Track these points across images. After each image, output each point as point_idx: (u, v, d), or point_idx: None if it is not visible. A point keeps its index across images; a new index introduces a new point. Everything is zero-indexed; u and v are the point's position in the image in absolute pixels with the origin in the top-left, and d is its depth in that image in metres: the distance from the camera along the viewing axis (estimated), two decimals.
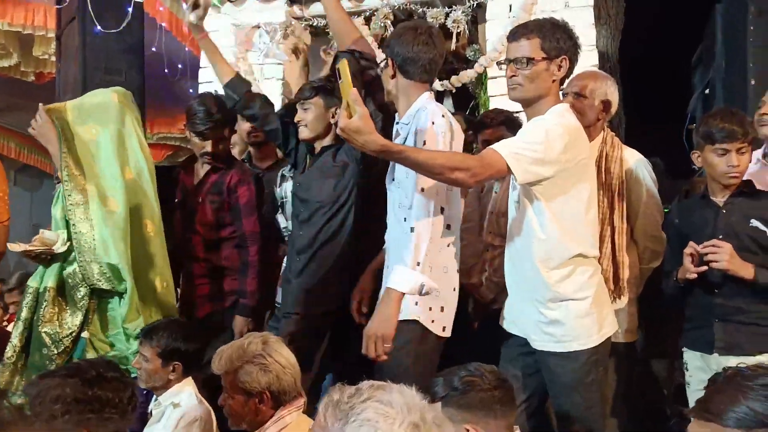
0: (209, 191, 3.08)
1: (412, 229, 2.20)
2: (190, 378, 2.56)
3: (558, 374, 2.21)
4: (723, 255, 2.30)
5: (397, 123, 2.46)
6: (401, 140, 2.37)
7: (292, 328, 2.69)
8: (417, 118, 2.32)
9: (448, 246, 2.33)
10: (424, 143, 2.23)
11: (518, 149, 2.08)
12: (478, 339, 2.99)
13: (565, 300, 2.18)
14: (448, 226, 2.32)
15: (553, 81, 2.22)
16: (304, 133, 2.80)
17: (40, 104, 2.74)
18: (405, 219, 2.30)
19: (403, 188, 2.31)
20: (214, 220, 3.05)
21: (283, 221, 3.22)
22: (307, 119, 2.78)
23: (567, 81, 2.74)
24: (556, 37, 2.19)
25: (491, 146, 2.13)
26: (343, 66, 1.97)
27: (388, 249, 2.48)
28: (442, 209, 2.25)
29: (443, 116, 2.29)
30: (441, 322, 2.31)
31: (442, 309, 2.31)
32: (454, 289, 2.37)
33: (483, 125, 3.13)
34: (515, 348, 2.32)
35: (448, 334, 2.34)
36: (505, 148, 2.08)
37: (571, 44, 2.22)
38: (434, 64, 2.39)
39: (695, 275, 2.34)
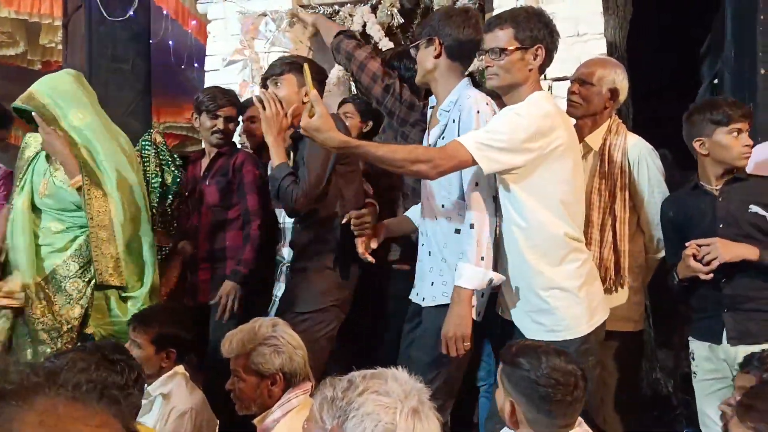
0: (216, 174, 3.15)
1: (471, 226, 2.21)
2: (180, 366, 2.53)
3: None
4: (716, 250, 2.28)
5: (431, 107, 2.46)
6: (440, 127, 2.37)
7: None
8: (459, 106, 2.30)
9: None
10: None
11: (482, 140, 2.10)
12: None
13: (554, 289, 2.19)
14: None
15: (530, 70, 2.22)
16: None
17: (40, 125, 2.69)
18: (442, 205, 2.33)
19: (446, 184, 2.32)
20: (220, 200, 3.11)
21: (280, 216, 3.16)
22: (279, 95, 2.65)
23: (577, 67, 2.76)
24: (530, 27, 2.19)
25: (456, 138, 2.15)
26: (305, 69, 2.12)
27: (428, 243, 2.45)
28: (494, 198, 2.27)
29: (487, 104, 2.30)
30: (477, 308, 2.32)
31: (482, 295, 2.32)
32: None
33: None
34: (510, 334, 2.31)
35: (479, 318, 2.34)
36: (469, 139, 2.10)
37: (547, 32, 2.22)
38: (475, 50, 2.42)
39: (710, 275, 2.30)
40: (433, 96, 2.50)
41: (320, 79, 2.78)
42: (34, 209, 2.71)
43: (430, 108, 2.47)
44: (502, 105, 2.35)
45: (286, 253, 3.02)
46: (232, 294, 2.90)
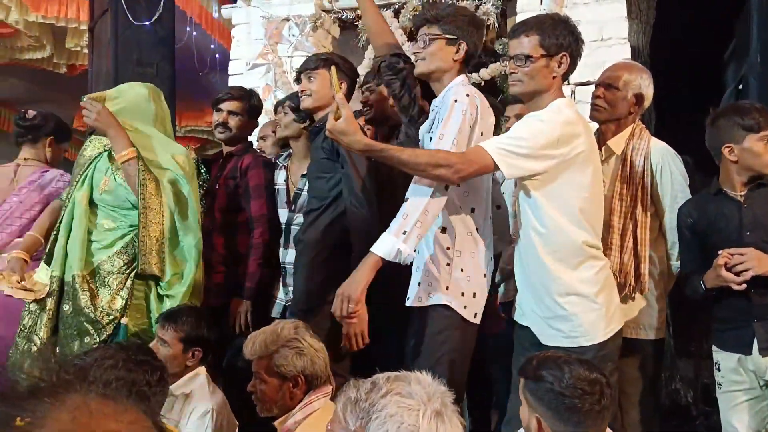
0: (226, 176, 3.14)
1: (406, 199, 2.17)
2: (202, 367, 2.54)
3: None
4: (750, 261, 2.25)
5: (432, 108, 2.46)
6: (429, 122, 2.40)
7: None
8: (443, 98, 2.33)
9: (478, 230, 2.33)
10: (444, 122, 2.21)
11: (505, 145, 2.12)
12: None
13: (572, 295, 2.19)
14: (472, 210, 2.32)
15: (554, 77, 2.23)
16: (306, 102, 2.78)
17: (86, 97, 2.74)
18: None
19: None
20: (227, 203, 3.10)
21: (282, 214, 3.14)
22: (312, 89, 2.76)
23: (603, 71, 2.76)
24: (555, 34, 2.20)
25: (479, 143, 2.16)
26: (332, 71, 2.16)
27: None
28: (447, 187, 2.20)
29: (468, 95, 2.25)
30: (473, 309, 2.30)
31: (474, 295, 2.30)
32: (485, 275, 2.35)
33: (508, 102, 3.23)
34: (527, 339, 2.32)
35: (478, 320, 2.33)
36: (491, 144, 2.12)
37: (573, 40, 2.23)
38: None
39: (743, 286, 2.27)
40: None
41: (353, 77, 2.83)
42: (92, 205, 2.76)
43: (432, 110, 2.47)
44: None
45: (288, 255, 3.00)
46: (243, 310, 2.94)
